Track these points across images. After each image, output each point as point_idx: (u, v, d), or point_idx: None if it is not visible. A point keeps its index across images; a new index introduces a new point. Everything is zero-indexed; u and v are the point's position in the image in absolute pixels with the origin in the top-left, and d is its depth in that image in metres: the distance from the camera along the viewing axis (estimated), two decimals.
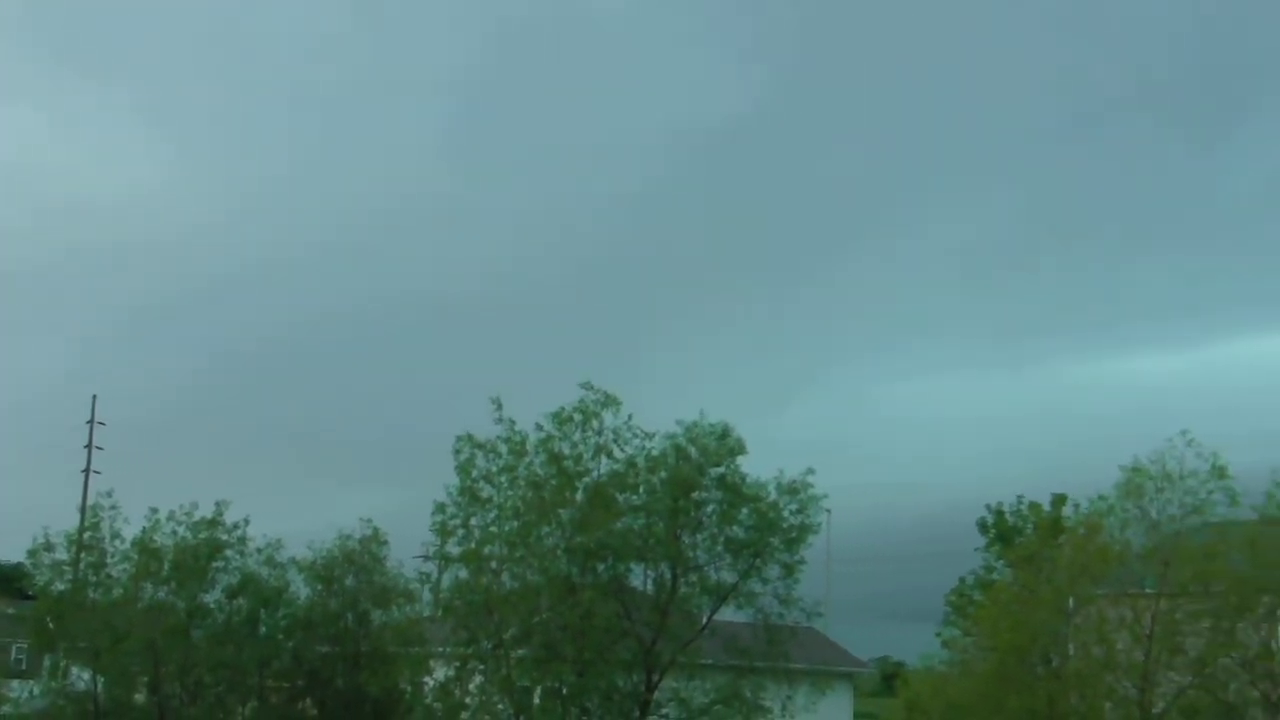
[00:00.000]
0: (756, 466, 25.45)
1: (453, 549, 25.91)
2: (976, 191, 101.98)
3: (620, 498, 25.19)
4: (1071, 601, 22.62)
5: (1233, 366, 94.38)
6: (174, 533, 31.13)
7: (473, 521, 25.31)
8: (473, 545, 25.20)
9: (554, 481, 24.94)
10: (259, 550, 31.55)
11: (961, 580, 40.07)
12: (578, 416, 25.21)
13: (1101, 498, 22.41)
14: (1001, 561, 36.57)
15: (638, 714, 24.92)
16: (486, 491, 25.25)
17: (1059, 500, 35.30)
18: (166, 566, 30.95)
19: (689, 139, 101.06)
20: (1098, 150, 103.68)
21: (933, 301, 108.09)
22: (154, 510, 31.39)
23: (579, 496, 24.97)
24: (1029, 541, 28.06)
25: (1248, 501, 21.38)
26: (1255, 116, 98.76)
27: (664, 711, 25.35)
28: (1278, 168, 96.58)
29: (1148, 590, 21.33)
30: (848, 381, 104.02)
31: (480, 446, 25.17)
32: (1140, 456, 21.49)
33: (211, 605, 31.54)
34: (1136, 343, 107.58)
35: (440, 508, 25.38)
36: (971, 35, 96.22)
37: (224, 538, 31.10)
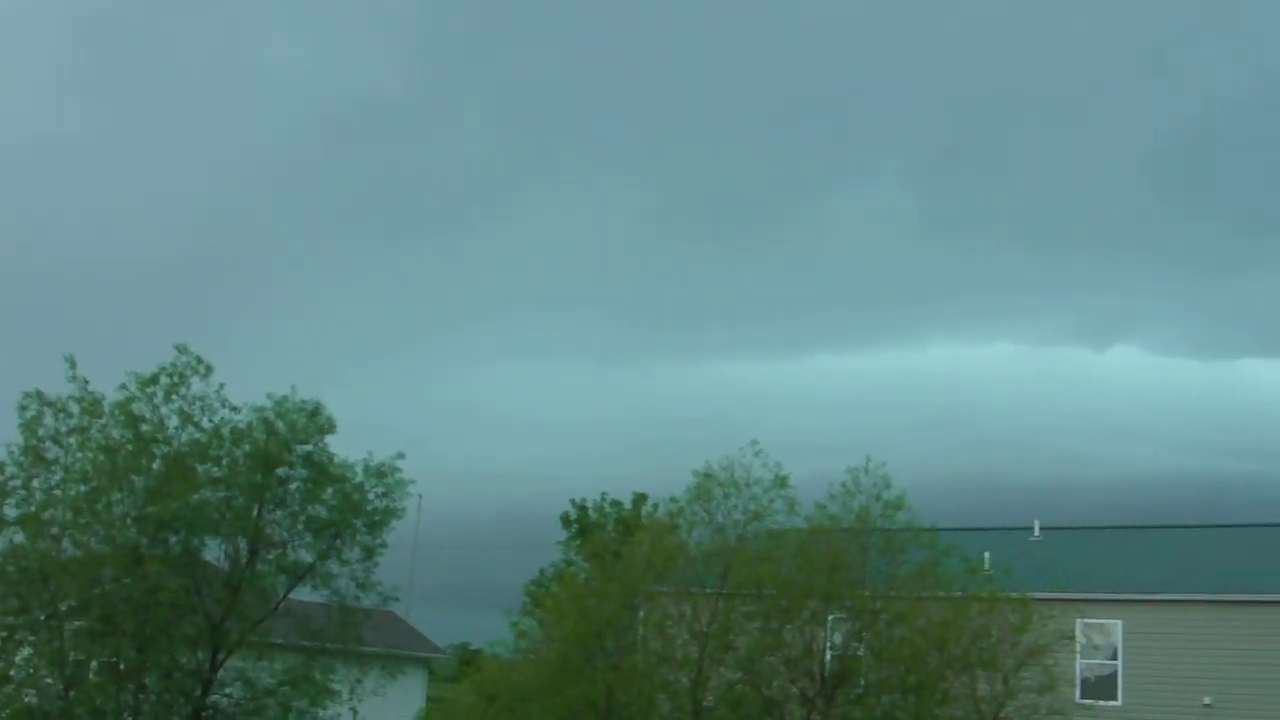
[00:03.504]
0: (346, 446, 25.31)
1: (10, 511, 24.34)
2: (607, 183, 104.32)
3: (200, 469, 24.42)
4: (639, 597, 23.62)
5: (813, 379, 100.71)
6: None
7: (35, 483, 23.89)
8: (33, 508, 23.79)
9: (130, 446, 23.90)
10: None
11: (541, 571, 41.06)
12: (165, 380, 24.31)
13: (673, 499, 23.55)
14: (580, 556, 37.75)
15: (200, 693, 24.20)
16: (53, 453, 23.92)
17: (639, 499, 36.85)
18: None
19: (335, 113, 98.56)
20: (725, 159, 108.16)
21: (543, 286, 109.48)
22: None
23: (156, 464, 24.08)
24: (602, 536, 29.08)
25: (804, 510, 22.92)
26: (863, 143, 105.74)
27: (228, 691, 24.72)
28: (879, 185, 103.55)
29: (708, 590, 22.52)
30: (443, 362, 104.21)
31: (49, 404, 23.80)
32: (712, 462, 22.74)
33: None
34: (735, 348, 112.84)
35: None
36: (623, 35, 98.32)
37: None
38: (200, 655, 24.15)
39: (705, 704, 22.05)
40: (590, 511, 41.19)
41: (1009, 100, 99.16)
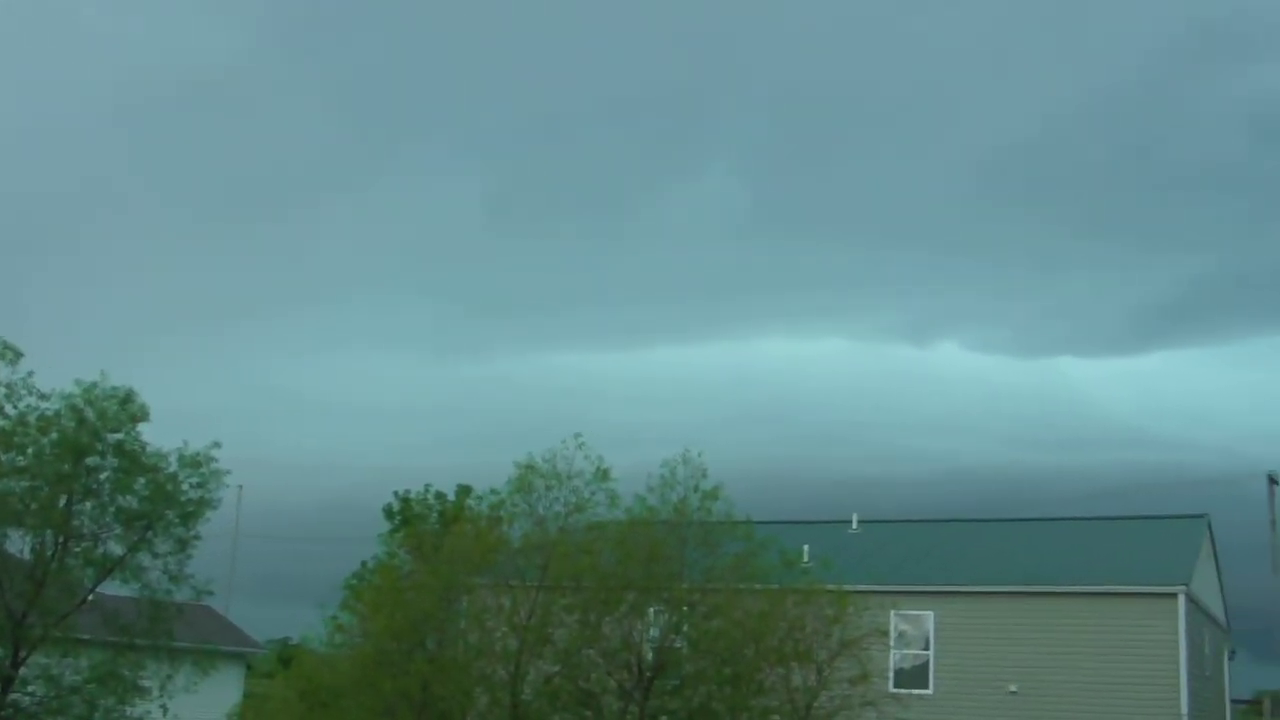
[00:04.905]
0: (161, 434, 24.75)
1: None
2: (443, 172, 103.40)
3: (4, 457, 23.62)
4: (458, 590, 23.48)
5: (645, 370, 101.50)
6: None
7: None
8: None
9: None
10: None
11: (363, 564, 40.44)
12: None
13: (494, 491, 23.46)
14: (404, 549, 37.28)
15: None
16: None
17: (463, 491, 36.60)
18: None
19: (163, 84, 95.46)
20: (562, 151, 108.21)
21: (374, 273, 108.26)
22: None
23: None
24: (420, 529, 28.90)
25: (627, 503, 23.00)
26: (700, 138, 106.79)
27: (30, 689, 23.95)
28: (714, 180, 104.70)
29: (528, 582, 22.49)
30: (268, 349, 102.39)
31: None
32: (534, 454, 22.70)
33: None
34: (568, 339, 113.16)
35: None
36: (466, 25, 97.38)
37: None
38: (0, 651, 23.34)
39: (523, 697, 22.03)
40: (414, 503, 40.72)
41: (844, 98, 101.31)
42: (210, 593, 26.12)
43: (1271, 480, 54.03)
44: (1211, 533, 38.30)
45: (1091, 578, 33.48)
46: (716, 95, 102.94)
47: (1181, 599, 31.75)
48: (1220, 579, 40.35)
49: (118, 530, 24.30)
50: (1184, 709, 30.98)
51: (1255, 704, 50.22)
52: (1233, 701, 42.84)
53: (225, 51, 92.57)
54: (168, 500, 24.14)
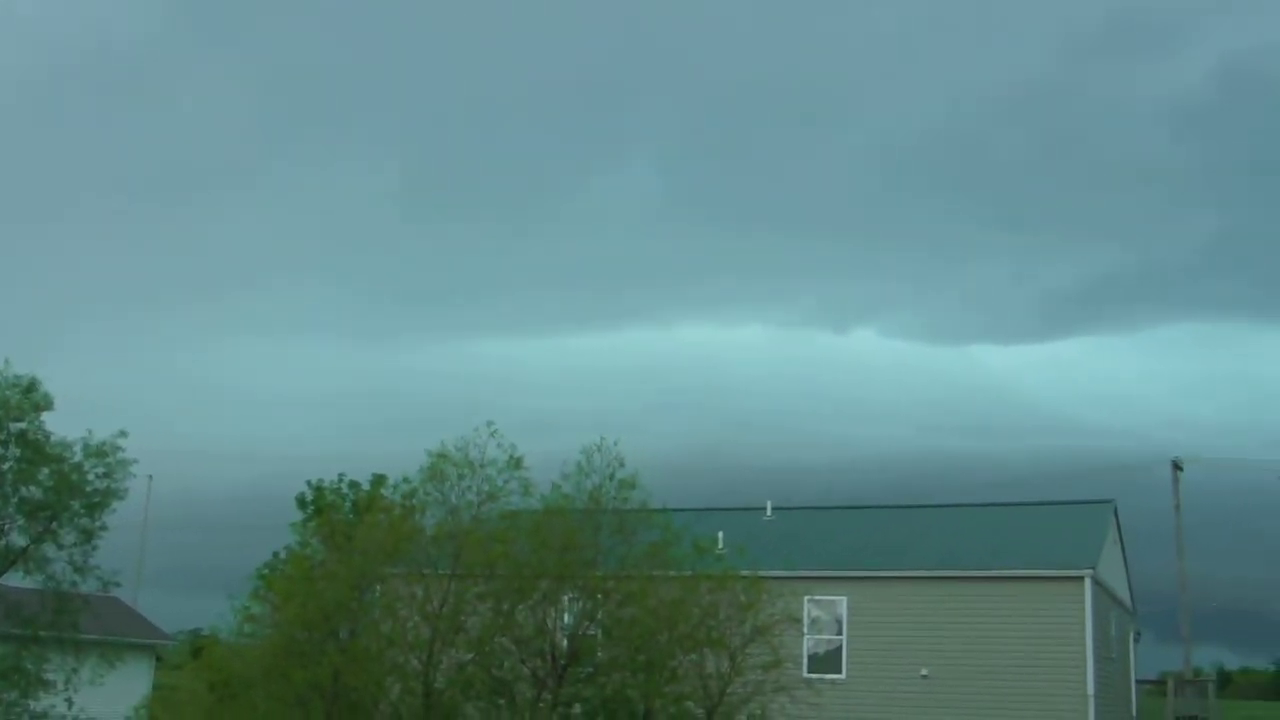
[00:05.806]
0: (66, 423, 24.39)
1: None
2: (360, 159, 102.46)
3: None
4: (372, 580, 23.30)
5: (563, 358, 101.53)
6: None
7: None
8: None
9: None
10: None
11: (275, 554, 40.00)
12: None
13: (406, 480, 23.32)
14: (316, 538, 36.82)
15: None
16: None
17: (378, 480, 36.29)
18: None
19: (72, 64, 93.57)
20: (482, 140, 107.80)
21: (287, 260, 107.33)
22: None
23: None
24: (333, 518, 28.65)
25: (541, 491, 22.92)
26: (619, 128, 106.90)
27: None
28: (633, 170, 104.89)
29: (441, 571, 22.37)
30: (178, 336, 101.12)
31: None
32: (447, 443, 22.55)
33: None
34: (485, 327, 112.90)
35: None
36: (383, 12, 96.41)
37: None
38: None
39: (436, 686, 21.92)
40: (326, 492, 40.32)
41: (764, 90, 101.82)
42: (117, 584, 25.79)
43: (1176, 466, 55.25)
44: (1117, 517, 39.06)
45: (1000, 562, 33.99)
46: (636, 87, 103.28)
47: (1088, 582, 32.34)
48: (1126, 563, 41.17)
49: (21, 521, 23.97)
50: (1090, 690, 31.57)
51: (1160, 684, 51.27)
52: (1138, 682, 43.77)
53: (132, 33, 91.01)
54: (72, 491, 23.81)
